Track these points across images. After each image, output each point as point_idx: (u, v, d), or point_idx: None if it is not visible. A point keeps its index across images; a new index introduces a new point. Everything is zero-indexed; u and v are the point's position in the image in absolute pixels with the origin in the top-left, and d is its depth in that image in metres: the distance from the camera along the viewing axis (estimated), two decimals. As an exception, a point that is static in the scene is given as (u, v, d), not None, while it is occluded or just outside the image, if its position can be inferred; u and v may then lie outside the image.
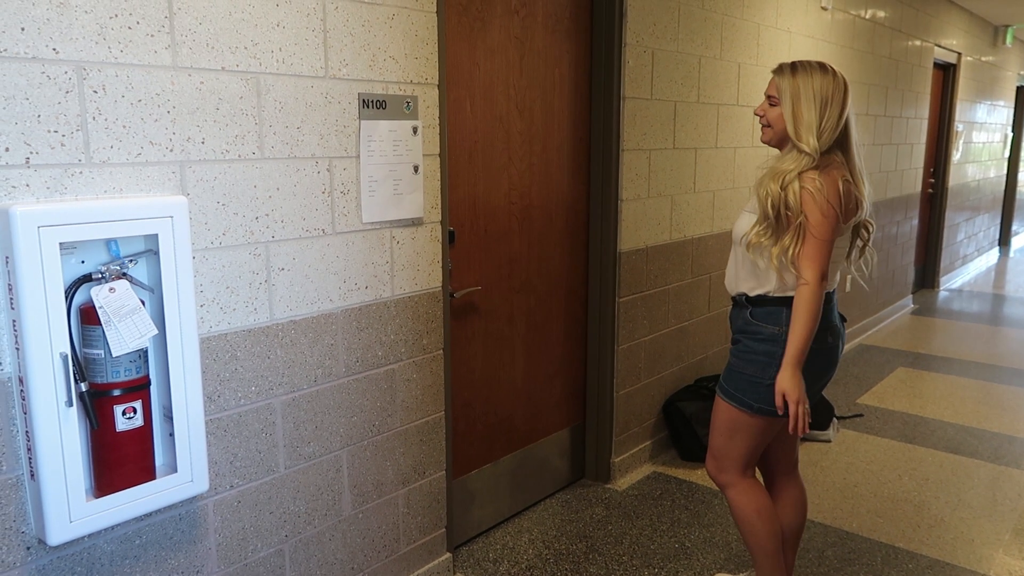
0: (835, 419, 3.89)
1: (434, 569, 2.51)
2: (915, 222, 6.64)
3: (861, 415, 4.16)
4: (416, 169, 2.24)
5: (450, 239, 2.50)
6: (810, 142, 2.00)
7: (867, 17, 5.10)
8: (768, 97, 2.11)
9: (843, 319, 2.22)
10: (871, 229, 2.19)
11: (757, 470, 2.32)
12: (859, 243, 2.20)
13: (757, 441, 2.18)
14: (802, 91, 2.03)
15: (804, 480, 2.40)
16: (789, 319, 2.04)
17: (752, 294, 2.12)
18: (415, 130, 2.22)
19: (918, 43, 6.03)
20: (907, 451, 3.70)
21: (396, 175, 2.19)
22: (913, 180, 6.41)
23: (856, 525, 2.98)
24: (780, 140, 2.11)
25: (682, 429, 3.52)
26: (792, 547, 2.35)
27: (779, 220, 2.00)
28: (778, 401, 1.99)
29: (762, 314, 2.10)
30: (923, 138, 6.49)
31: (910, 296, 6.80)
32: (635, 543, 2.84)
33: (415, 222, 2.28)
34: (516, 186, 2.82)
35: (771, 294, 2.08)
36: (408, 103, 2.20)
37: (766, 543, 2.22)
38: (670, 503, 3.15)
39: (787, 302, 2.05)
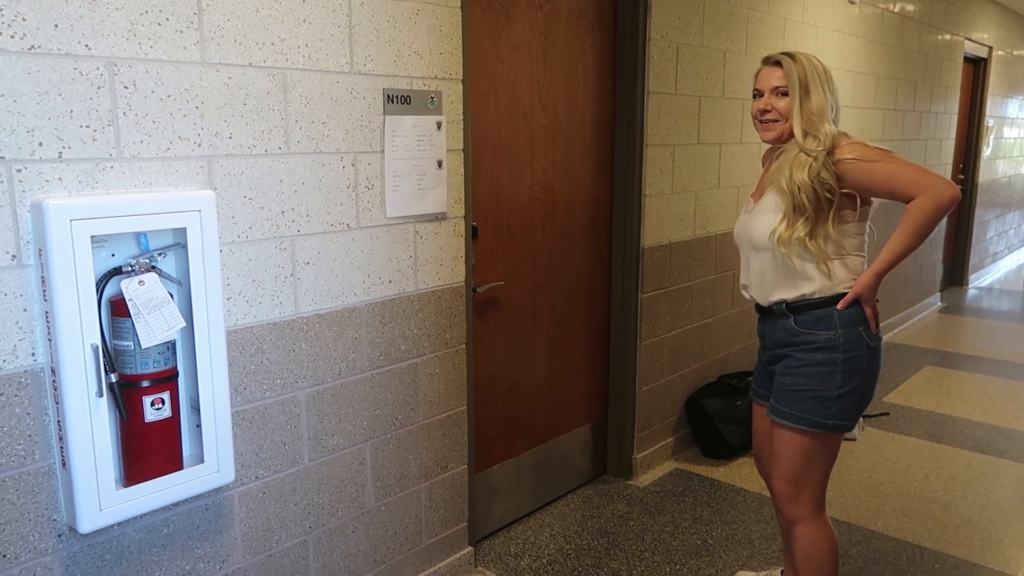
0: (861, 417, 3.84)
1: (455, 562, 2.53)
2: (944, 219, 6.53)
3: (887, 414, 4.11)
4: (440, 164, 2.25)
5: (473, 234, 2.50)
6: (824, 128, 1.93)
7: (895, 11, 5.03)
8: (775, 89, 1.98)
9: None
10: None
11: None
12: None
13: (834, 458, 2.05)
14: (808, 74, 1.95)
15: (829, 479, 2.34)
16: (842, 321, 1.93)
17: (793, 301, 1.99)
18: (439, 125, 2.23)
19: (948, 37, 5.93)
20: (934, 450, 3.65)
21: (420, 170, 2.20)
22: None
23: (881, 524, 2.95)
24: (791, 133, 1.98)
25: (705, 426, 3.50)
26: None
27: (818, 207, 1.90)
28: (848, 299, 1.93)
29: (810, 321, 1.96)
30: (953, 133, 6.39)
31: (938, 294, 6.70)
32: (657, 539, 2.83)
33: (438, 217, 2.29)
34: (539, 181, 2.82)
35: (816, 295, 1.96)
36: (432, 98, 2.20)
37: None
38: (692, 500, 3.13)
39: (833, 301, 1.94)
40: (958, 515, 3.03)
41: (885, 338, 5.56)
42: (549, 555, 2.73)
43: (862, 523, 2.96)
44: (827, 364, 1.94)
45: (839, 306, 1.94)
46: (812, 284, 1.96)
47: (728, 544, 2.80)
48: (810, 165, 1.90)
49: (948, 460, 3.54)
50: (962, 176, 7.13)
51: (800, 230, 1.92)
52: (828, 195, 1.90)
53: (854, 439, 3.73)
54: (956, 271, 7.46)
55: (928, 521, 2.98)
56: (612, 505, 3.10)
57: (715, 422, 3.46)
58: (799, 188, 1.90)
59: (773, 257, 2.00)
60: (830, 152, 1.91)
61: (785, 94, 1.98)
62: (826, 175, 1.89)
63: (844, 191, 1.91)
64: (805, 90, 1.95)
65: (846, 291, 1.95)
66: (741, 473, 3.37)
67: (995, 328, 6.08)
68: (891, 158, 1.89)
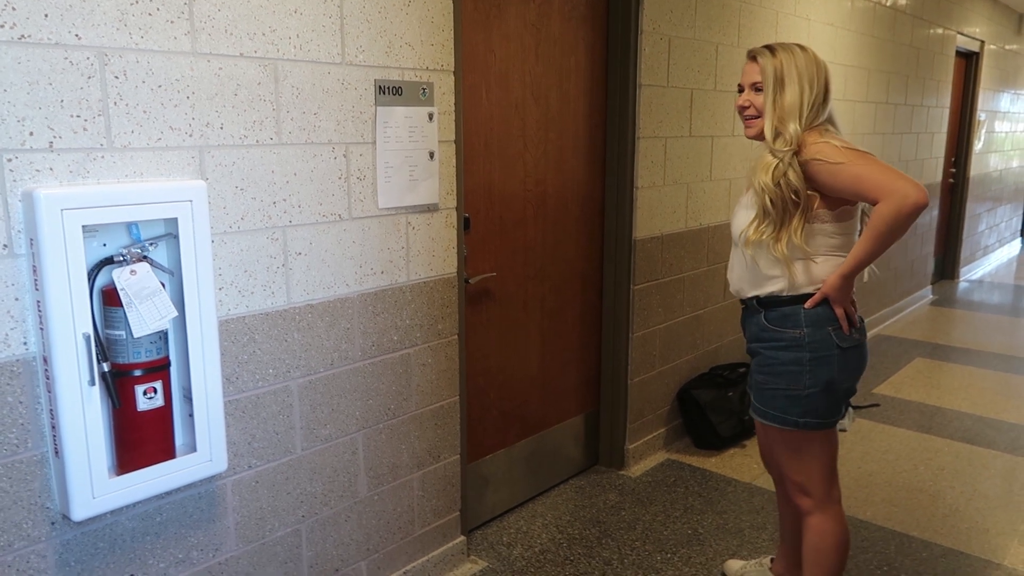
0: (851, 408, 3.87)
1: (448, 552, 2.54)
2: (935, 212, 6.57)
3: (877, 405, 4.14)
4: (432, 155, 2.26)
5: (465, 225, 2.51)
6: (791, 128, 1.88)
7: (888, 4, 5.04)
8: (752, 85, 1.97)
9: (860, 319, 2.08)
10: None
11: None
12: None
13: (828, 453, 2.03)
14: (785, 70, 1.90)
15: (835, 469, 2.28)
16: (808, 320, 1.93)
17: (764, 297, 2.00)
18: (431, 116, 2.24)
19: (940, 31, 5.95)
20: (923, 441, 3.68)
21: (412, 161, 2.20)
22: (933, 170, 6.34)
23: (870, 514, 2.98)
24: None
25: (696, 417, 3.52)
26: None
27: (784, 210, 1.89)
28: (815, 299, 1.91)
29: (778, 318, 1.97)
30: (944, 127, 6.42)
31: (929, 287, 6.74)
32: (648, 529, 2.86)
33: (430, 208, 2.29)
34: (531, 173, 2.83)
35: (784, 293, 1.96)
36: (424, 89, 2.21)
37: None
38: (683, 490, 3.16)
39: (803, 299, 1.94)
40: (946, 504, 3.06)
41: (876, 331, 5.59)
42: (541, 544, 2.75)
43: (851, 513, 2.98)
44: (794, 363, 1.94)
45: (806, 305, 1.94)
46: (779, 283, 1.97)
47: (719, 533, 2.83)
48: (775, 167, 1.88)
49: (937, 451, 3.57)
50: (954, 170, 7.16)
51: (766, 231, 1.92)
52: (794, 197, 1.88)
53: (844, 430, 3.76)
54: (947, 264, 7.50)
55: (916, 510, 3.01)
56: (604, 495, 3.12)
57: (706, 413, 3.48)
58: (763, 190, 1.89)
59: (745, 254, 2.01)
60: (798, 152, 1.88)
61: (762, 90, 1.95)
62: (793, 176, 1.86)
63: (812, 191, 1.89)
64: (780, 86, 1.92)
65: (815, 291, 1.94)
66: (732, 464, 3.40)
67: (985, 321, 6.12)
68: (858, 160, 1.83)
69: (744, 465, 3.36)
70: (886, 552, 2.71)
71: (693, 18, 3.29)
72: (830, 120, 1.99)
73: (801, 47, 1.96)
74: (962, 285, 7.42)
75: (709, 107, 3.48)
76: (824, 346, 1.93)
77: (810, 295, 1.94)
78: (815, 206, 1.91)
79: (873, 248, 1.84)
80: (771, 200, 1.89)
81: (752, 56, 1.99)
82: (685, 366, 3.63)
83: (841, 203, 1.92)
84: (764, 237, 1.92)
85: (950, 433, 3.77)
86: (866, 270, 1.97)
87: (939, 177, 6.52)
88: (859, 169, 1.82)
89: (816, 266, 1.95)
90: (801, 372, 1.94)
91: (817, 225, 1.92)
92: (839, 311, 1.93)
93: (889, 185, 1.78)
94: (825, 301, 1.93)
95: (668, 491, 3.15)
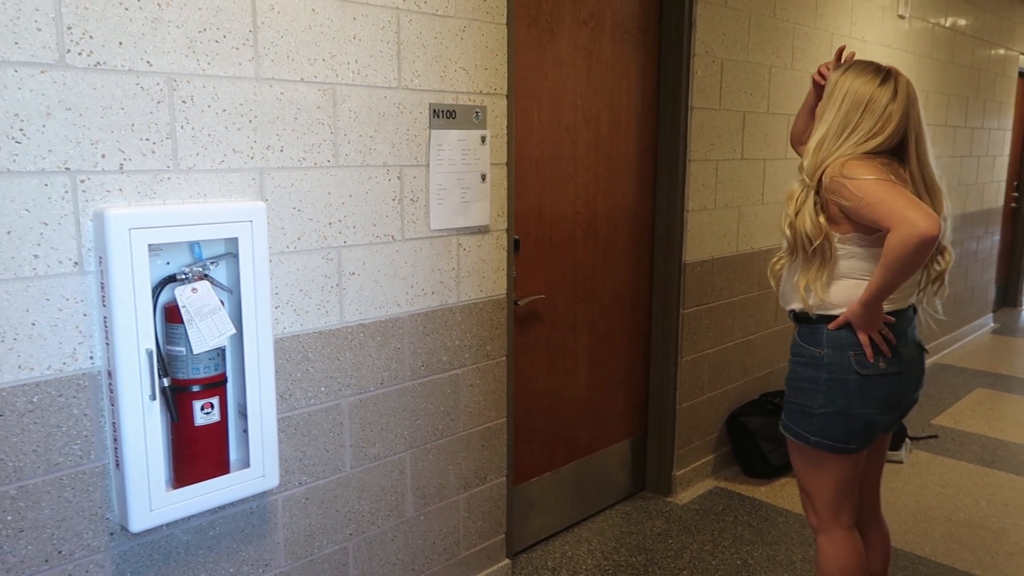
0: (908, 440, 3.75)
1: (493, 575, 2.53)
2: (996, 238, 6.37)
3: (935, 436, 4.01)
4: (483, 178, 2.28)
5: (515, 247, 2.52)
6: (806, 162, 1.88)
7: (947, 25, 4.94)
8: None
9: (922, 348, 1.99)
10: (948, 259, 1.95)
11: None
12: (935, 269, 1.96)
13: (840, 477, 1.96)
14: (837, 91, 1.89)
15: (848, 497, 2.16)
16: (830, 341, 1.89)
17: (798, 312, 1.98)
18: (483, 139, 2.26)
19: (1001, 51, 5.80)
20: (985, 475, 3.54)
21: (464, 183, 2.23)
22: (995, 194, 6.16)
23: (929, 550, 2.88)
24: None
25: (746, 444, 3.45)
26: None
27: (800, 246, 1.88)
28: (838, 322, 1.88)
29: (805, 334, 1.96)
30: (1006, 150, 6.24)
31: (990, 315, 6.52)
32: (695, 558, 2.80)
33: (481, 230, 2.31)
34: (581, 195, 2.83)
35: (814, 312, 1.92)
36: (477, 113, 2.24)
37: None
38: (732, 519, 3.09)
39: (827, 320, 1.91)
40: (1010, 543, 2.93)
41: (934, 359, 5.42)
42: (586, 570, 2.72)
43: (908, 548, 2.88)
44: (810, 381, 1.94)
45: (830, 326, 1.90)
46: (804, 302, 1.93)
47: (769, 565, 2.76)
48: (796, 199, 1.90)
49: (1000, 486, 3.43)
50: (1016, 194, 6.94)
51: (781, 262, 2.01)
52: (808, 241, 1.86)
53: (901, 462, 3.64)
54: (1010, 291, 7.25)
55: (978, 548, 2.89)
56: (651, 522, 3.07)
57: (756, 440, 3.41)
58: (784, 217, 1.93)
59: (785, 269, 2.05)
60: (819, 188, 1.86)
61: None
62: (808, 217, 1.85)
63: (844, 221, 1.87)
64: (825, 104, 1.93)
65: (839, 314, 1.90)
66: (783, 493, 3.32)
67: (1051, 351, 5.89)
68: (874, 192, 1.76)
69: (795, 495, 3.27)
70: (946, 591, 2.62)
71: (746, 41, 3.27)
72: (894, 151, 1.89)
73: (877, 69, 1.89)
74: (1025, 313, 7.16)
75: (762, 130, 3.44)
76: (841, 370, 1.89)
77: (836, 316, 1.91)
78: (845, 232, 1.87)
79: (886, 277, 1.78)
80: (787, 238, 1.93)
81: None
82: (735, 392, 3.56)
83: (877, 228, 1.85)
84: (777, 267, 2.03)
85: (1014, 468, 3.63)
86: (938, 304, 1.98)
87: (1001, 201, 6.33)
88: (874, 201, 1.76)
89: (849, 287, 1.90)
90: (815, 391, 1.92)
91: (852, 248, 1.88)
92: (863, 337, 1.88)
93: (899, 214, 1.72)
94: (848, 325, 1.90)
95: (716, 520, 3.09)
